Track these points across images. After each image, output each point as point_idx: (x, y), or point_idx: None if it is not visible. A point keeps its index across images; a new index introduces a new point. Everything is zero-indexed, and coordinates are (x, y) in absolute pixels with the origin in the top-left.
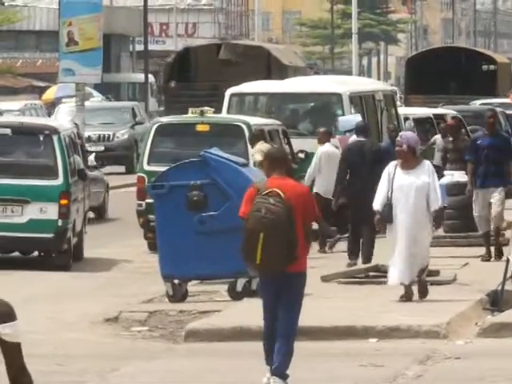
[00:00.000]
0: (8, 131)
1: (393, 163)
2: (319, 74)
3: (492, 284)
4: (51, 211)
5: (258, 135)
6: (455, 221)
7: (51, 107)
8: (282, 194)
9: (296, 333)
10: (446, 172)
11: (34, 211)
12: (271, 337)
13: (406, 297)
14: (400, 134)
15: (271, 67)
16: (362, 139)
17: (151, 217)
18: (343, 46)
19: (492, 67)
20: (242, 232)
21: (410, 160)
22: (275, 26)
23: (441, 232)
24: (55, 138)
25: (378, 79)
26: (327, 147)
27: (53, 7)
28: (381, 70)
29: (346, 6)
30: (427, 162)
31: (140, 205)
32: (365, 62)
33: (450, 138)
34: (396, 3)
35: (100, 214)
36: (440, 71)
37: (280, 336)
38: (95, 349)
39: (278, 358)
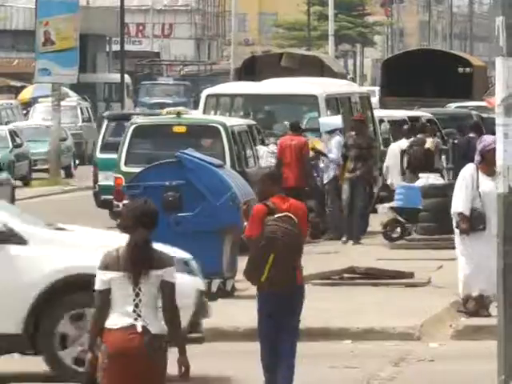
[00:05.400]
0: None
1: (473, 166)
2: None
3: None
4: None
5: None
6: (430, 223)
7: (28, 107)
8: (294, 218)
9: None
10: (421, 174)
11: None
12: (273, 366)
13: (474, 311)
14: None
15: (324, 74)
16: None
17: None
18: (319, 48)
19: (468, 70)
20: (250, 251)
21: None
22: (251, 27)
23: (415, 234)
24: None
25: (354, 81)
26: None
27: (29, 7)
28: (357, 72)
29: (322, 8)
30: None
31: (117, 206)
32: (341, 63)
33: (353, 133)
34: (373, 5)
35: None
36: (416, 73)
37: (285, 353)
38: None
39: (287, 373)
